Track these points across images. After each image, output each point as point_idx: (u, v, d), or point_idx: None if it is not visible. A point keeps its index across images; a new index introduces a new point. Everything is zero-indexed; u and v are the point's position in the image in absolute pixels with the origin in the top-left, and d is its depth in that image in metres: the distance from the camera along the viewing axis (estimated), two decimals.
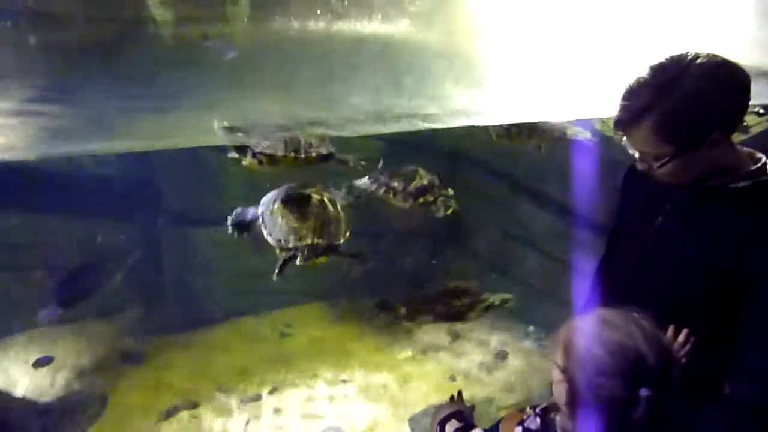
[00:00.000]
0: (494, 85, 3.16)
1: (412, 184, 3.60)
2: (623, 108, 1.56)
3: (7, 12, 2.01)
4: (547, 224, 5.28)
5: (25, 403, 4.15)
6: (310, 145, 3.58)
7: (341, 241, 3.16)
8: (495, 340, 5.30)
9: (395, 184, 3.63)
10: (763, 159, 1.63)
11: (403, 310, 4.03)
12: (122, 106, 3.00)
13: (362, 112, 3.26)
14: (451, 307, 4.01)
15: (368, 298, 5.77)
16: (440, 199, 3.60)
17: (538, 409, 1.49)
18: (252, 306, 5.67)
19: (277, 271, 3.11)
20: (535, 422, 1.47)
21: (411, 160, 3.83)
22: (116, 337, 5.25)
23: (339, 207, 3.40)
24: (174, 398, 4.39)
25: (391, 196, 3.61)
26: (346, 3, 2.23)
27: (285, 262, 3.09)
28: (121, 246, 5.38)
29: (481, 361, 4.95)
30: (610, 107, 1.61)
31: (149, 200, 5.47)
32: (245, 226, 3.31)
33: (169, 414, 4.18)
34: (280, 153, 3.43)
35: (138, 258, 5.31)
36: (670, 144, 1.54)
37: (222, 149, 3.47)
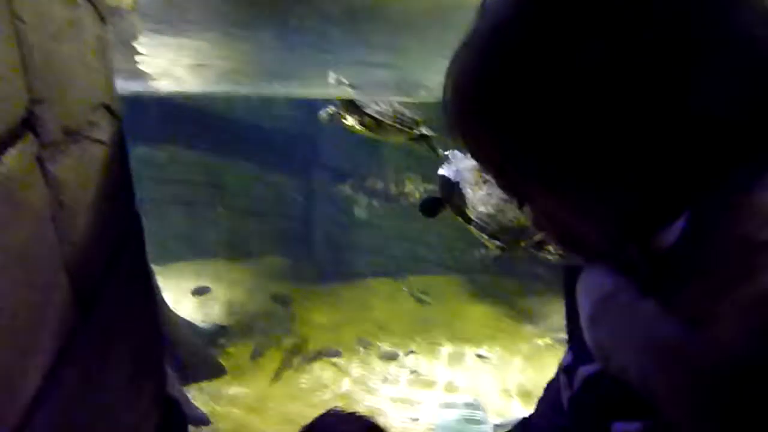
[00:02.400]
0: None
1: None
2: None
3: None
4: None
5: (187, 324, 4.52)
6: (415, 123, 3.65)
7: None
8: None
9: None
10: None
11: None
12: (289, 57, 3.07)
13: None
14: None
15: (505, 276, 5.66)
16: None
17: None
18: (393, 269, 5.74)
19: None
20: None
21: None
22: (267, 279, 5.56)
23: None
24: (317, 344, 4.57)
25: None
26: None
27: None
28: (282, 195, 5.66)
29: None
30: None
31: (308, 151, 5.67)
32: (434, 209, 3.31)
33: (313, 358, 4.35)
34: (387, 120, 3.50)
35: (293, 207, 5.57)
36: None
37: (333, 103, 3.57)
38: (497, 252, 3.15)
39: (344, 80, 3.26)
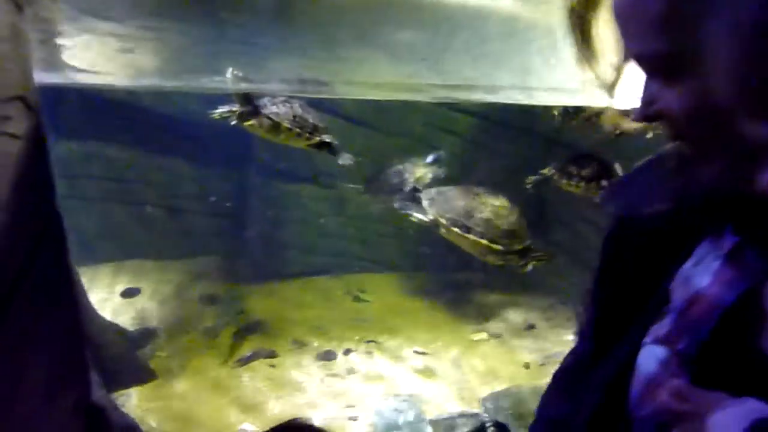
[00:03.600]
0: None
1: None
2: None
3: None
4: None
5: (115, 327, 4.34)
6: (316, 129, 3.59)
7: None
8: (571, 333, 5.16)
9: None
10: None
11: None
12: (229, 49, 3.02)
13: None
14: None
15: (442, 273, 5.77)
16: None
17: None
18: (327, 267, 5.73)
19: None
20: None
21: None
22: (198, 279, 5.41)
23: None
24: (252, 345, 4.49)
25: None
26: None
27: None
28: (213, 192, 5.52)
29: (555, 353, 4.83)
30: None
31: (241, 146, 5.54)
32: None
33: (249, 359, 4.28)
34: (286, 124, 3.42)
35: (222, 204, 5.45)
36: None
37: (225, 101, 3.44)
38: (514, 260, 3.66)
39: (240, 75, 3.04)
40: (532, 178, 4.06)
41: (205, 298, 5.15)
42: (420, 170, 4.39)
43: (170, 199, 5.57)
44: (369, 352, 4.61)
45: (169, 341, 4.63)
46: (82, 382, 1.65)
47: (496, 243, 3.70)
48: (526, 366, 4.61)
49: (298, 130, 3.46)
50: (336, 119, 5.19)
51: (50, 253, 1.32)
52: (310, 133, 3.53)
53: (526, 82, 2.75)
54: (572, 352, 1.06)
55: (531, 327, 5.16)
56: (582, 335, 1.03)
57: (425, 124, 5.27)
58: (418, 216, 3.90)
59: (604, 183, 3.59)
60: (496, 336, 5.00)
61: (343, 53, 2.76)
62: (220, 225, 5.76)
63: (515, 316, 5.26)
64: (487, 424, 3.72)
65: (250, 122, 3.37)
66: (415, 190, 4.07)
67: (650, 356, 0.69)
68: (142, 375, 4.03)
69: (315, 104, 4.91)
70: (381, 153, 5.31)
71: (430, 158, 4.52)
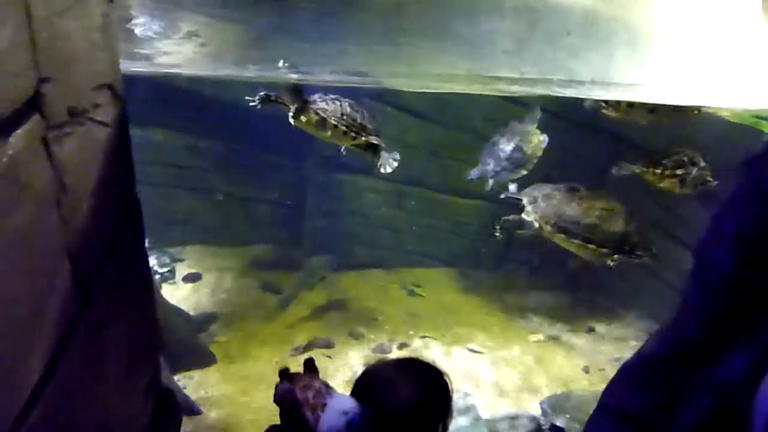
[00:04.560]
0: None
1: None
2: None
3: None
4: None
5: (178, 312, 4.48)
6: (363, 129, 3.55)
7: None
8: (633, 338, 4.97)
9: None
10: None
11: None
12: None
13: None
14: None
15: (499, 271, 5.67)
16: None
17: None
18: (383, 260, 5.73)
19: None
20: None
21: None
22: (258, 266, 5.53)
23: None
24: (309, 334, 4.55)
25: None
26: None
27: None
28: (277, 182, 5.61)
29: (616, 358, 4.66)
30: None
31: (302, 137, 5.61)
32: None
33: (305, 348, 4.33)
34: (332, 121, 3.38)
35: (287, 194, 5.53)
36: None
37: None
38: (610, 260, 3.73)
39: (289, 66, 3.03)
40: (619, 171, 3.98)
41: (264, 286, 5.26)
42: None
43: (233, 187, 5.69)
44: (424, 348, 4.58)
45: (229, 327, 4.75)
46: (153, 366, 1.69)
47: (605, 247, 3.76)
48: (586, 370, 4.47)
49: (344, 128, 3.44)
50: (399, 112, 5.18)
51: (129, 239, 1.35)
52: (356, 132, 3.50)
53: (605, 78, 2.64)
54: (653, 345, 1.02)
55: (591, 330, 5.00)
56: (675, 329, 0.94)
57: (485, 119, 5.16)
58: (525, 222, 3.90)
59: (694, 173, 3.69)
60: (553, 338, 4.87)
61: (411, 43, 2.73)
62: (283, 214, 5.86)
63: (574, 318, 5.10)
64: (544, 427, 3.62)
65: (299, 119, 3.37)
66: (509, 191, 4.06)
67: None
68: (203, 359, 4.14)
69: (374, 96, 4.92)
70: (440, 146, 5.27)
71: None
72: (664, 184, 3.86)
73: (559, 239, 3.83)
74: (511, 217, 3.98)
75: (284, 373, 1.43)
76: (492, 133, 4.19)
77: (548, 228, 3.80)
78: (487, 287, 5.52)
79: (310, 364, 1.48)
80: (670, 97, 3.06)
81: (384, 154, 3.71)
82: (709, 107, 3.55)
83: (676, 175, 3.72)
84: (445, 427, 1.42)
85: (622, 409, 1.02)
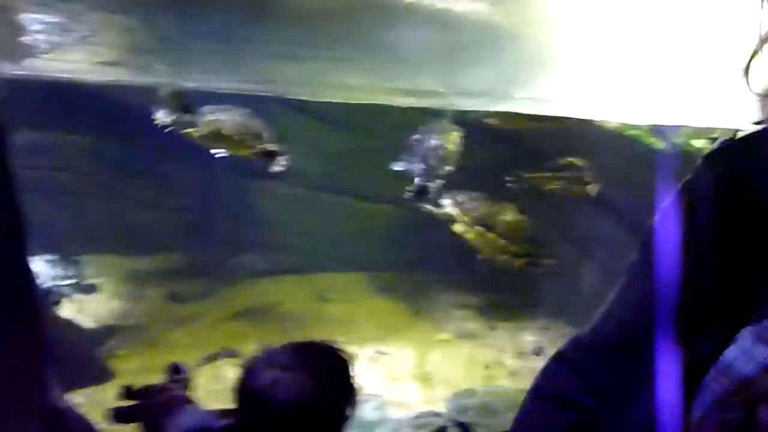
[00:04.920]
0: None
1: None
2: None
3: None
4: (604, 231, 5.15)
5: (72, 325, 4.23)
6: (258, 137, 3.55)
7: None
8: (532, 336, 5.24)
9: None
10: None
11: None
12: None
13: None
14: None
15: (408, 273, 5.79)
16: None
17: None
18: (295, 266, 5.69)
19: None
20: None
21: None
22: (162, 275, 5.31)
23: None
24: (215, 345, 4.43)
25: None
26: None
27: None
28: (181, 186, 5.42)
29: (517, 353, 4.90)
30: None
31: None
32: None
33: (211, 359, 4.22)
34: (225, 132, 3.38)
35: (192, 200, 5.36)
36: None
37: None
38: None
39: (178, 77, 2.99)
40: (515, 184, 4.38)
41: (170, 295, 5.07)
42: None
43: (138, 193, 5.44)
44: None
45: (130, 339, 4.54)
46: (41, 384, 1.60)
47: (517, 245, 4.04)
48: (489, 366, 4.67)
49: (235, 137, 3.38)
50: (311, 120, 5.17)
51: (7, 247, 1.28)
52: (251, 141, 3.45)
53: (500, 91, 2.80)
54: (594, 331, 0.96)
55: (494, 329, 5.23)
56: (620, 315, 0.91)
57: (396, 126, 5.26)
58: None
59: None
60: (460, 336, 5.05)
61: (318, 54, 2.75)
62: (191, 222, 5.67)
63: (480, 317, 5.32)
64: (449, 424, 3.76)
65: (188, 130, 3.26)
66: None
67: (747, 357, 0.62)
68: (99, 374, 3.93)
69: (285, 103, 4.88)
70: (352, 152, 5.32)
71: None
72: (552, 185, 4.32)
73: (475, 234, 3.98)
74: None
75: (129, 392, 1.34)
76: (402, 140, 4.29)
77: (465, 219, 3.95)
78: (399, 290, 5.62)
79: (175, 370, 1.38)
80: (552, 109, 3.30)
81: (279, 159, 3.68)
82: (594, 119, 3.89)
83: (560, 178, 4.20)
84: (347, 418, 1.29)
85: (561, 395, 0.98)
